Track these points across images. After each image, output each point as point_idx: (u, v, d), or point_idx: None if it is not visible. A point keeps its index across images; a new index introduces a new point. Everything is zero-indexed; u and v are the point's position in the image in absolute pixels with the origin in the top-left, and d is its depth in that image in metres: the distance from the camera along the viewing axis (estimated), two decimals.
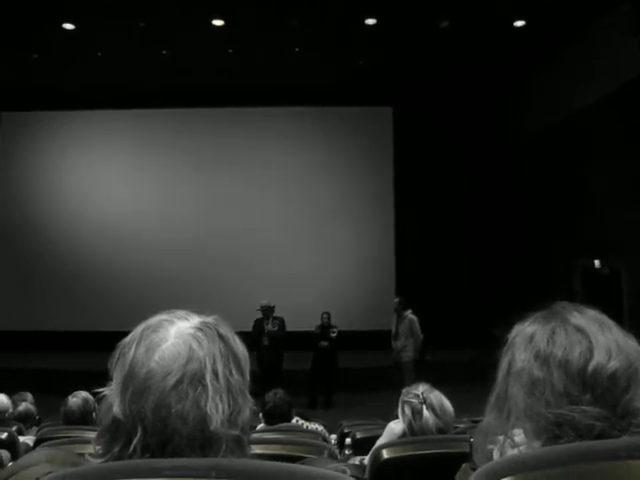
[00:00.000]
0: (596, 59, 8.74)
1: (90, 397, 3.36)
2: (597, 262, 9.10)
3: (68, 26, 9.11)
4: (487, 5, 8.51)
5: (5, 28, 8.92)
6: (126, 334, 0.95)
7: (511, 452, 0.95)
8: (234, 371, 0.91)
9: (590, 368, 0.91)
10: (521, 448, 0.93)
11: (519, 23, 9.13)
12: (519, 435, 0.95)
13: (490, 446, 1.00)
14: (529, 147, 11.03)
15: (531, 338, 0.98)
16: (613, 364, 0.90)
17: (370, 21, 9.11)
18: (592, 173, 9.05)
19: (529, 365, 0.96)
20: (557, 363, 0.93)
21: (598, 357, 0.91)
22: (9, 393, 4.13)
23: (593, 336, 0.94)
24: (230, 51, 10.15)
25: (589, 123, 9.01)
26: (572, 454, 0.79)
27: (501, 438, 0.97)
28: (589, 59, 8.94)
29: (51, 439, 2.85)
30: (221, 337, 0.93)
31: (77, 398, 3.37)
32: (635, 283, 8.15)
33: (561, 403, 0.91)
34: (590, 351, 0.92)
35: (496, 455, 0.98)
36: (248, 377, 0.95)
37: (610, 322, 0.98)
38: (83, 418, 3.30)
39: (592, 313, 0.99)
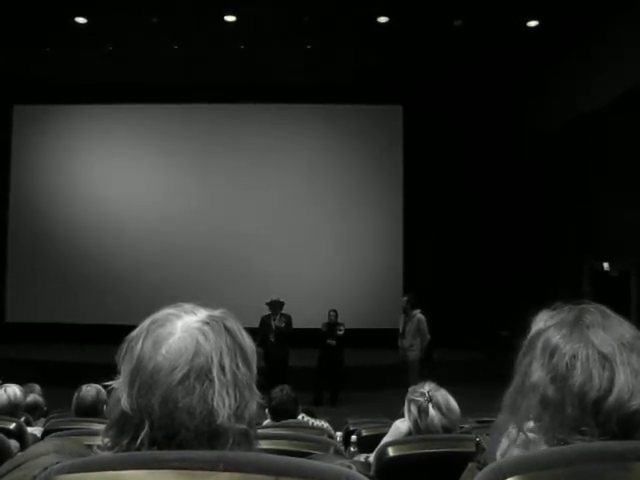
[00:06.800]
0: (610, 59, 8.67)
1: (102, 389, 3.43)
2: (606, 265, 9.04)
3: (80, 20, 9.14)
4: (500, 4, 8.47)
5: (18, 21, 8.96)
6: (133, 328, 0.95)
7: (520, 439, 0.93)
8: (241, 365, 0.91)
9: (607, 404, 0.87)
10: (531, 437, 0.92)
11: (532, 23, 9.08)
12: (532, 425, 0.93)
13: (503, 440, 0.98)
14: (539, 148, 10.95)
15: (551, 354, 0.93)
16: (634, 404, 0.86)
17: (382, 19, 9.08)
18: (606, 174, 8.98)
19: (544, 383, 0.92)
20: (574, 393, 0.89)
21: (619, 393, 0.87)
22: (17, 384, 4.16)
23: (617, 367, 0.89)
24: (242, 47, 10.14)
25: (604, 123, 8.93)
26: (580, 455, 0.79)
27: (513, 431, 0.95)
28: (603, 59, 8.86)
29: (59, 430, 2.87)
30: (228, 331, 0.93)
31: (91, 388, 3.47)
32: None
33: (571, 432, 0.88)
34: (611, 382, 0.88)
35: (504, 444, 0.97)
36: (255, 370, 0.95)
37: (638, 344, 0.93)
38: (95, 407, 3.37)
39: (619, 333, 0.94)
